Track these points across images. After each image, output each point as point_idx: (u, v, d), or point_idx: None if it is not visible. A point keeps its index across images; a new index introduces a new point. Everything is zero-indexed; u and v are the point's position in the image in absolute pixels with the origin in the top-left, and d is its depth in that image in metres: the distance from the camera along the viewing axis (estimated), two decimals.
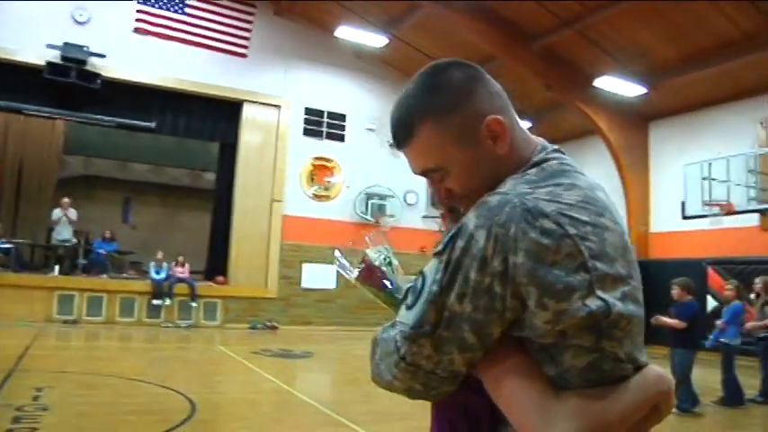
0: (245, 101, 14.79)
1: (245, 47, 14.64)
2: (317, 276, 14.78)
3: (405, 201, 16.32)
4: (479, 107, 1.02)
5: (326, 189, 15.46)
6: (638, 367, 0.93)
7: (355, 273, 1.20)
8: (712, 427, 6.54)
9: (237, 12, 14.56)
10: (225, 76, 14.39)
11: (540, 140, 1.09)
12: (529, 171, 1.01)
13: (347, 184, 15.53)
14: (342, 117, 15.82)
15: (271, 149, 14.97)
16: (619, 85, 12.85)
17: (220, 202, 15.12)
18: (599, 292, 0.88)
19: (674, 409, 5.12)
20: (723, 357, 7.34)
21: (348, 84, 15.88)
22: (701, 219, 12.13)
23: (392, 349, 0.95)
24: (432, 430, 1.08)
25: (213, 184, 16.46)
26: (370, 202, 15.47)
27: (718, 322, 7.50)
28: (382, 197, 15.69)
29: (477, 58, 13.13)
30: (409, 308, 0.95)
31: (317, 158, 15.48)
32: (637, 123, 14.70)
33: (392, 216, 15.66)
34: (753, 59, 11.57)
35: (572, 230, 0.89)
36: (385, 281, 1.18)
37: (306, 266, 14.91)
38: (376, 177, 15.81)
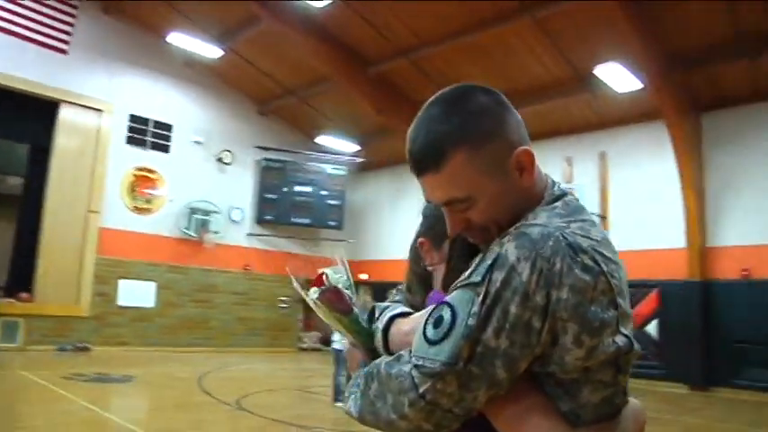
0: (63, 101, 15.11)
1: (65, 42, 14.98)
2: (135, 294, 15.91)
3: (229, 217, 18.04)
4: (510, 137, 1.12)
5: (148, 202, 16.46)
6: None
7: (316, 293, 1.25)
8: None
9: (58, 1, 14.78)
10: (40, 71, 14.57)
11: (545, 173, 1.20)
12: (555, 204, 1.12)
13: (170, 197, 16.72)
14: (168, 127, 16.99)
15: (89, 156, 15.56)
16: None
17: (28, 210, 15.28)
18: (622, 329, 1.02)
19: None
20: None
21: (176, 93, 17.20)
22: None
23: (407, 386, 1.00)
24: None
25: (19, 190, 16.63)
26: (193, 217, 16.93)
27: None
28: (206, 212, 17.19)
29: (311, 78, 15.07)
30: (433, 342, 1.00)
31: (140, 169, 16.39)
32: None
33: (216, 232, 17.28)
34: (561, 103, 14.49)
35: (605, 267, 1.01)
36: (350, 304, 1.26)
37: (122, 283, 15.79)
38: (201, 192, 17.27)
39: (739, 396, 11.69)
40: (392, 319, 1.22)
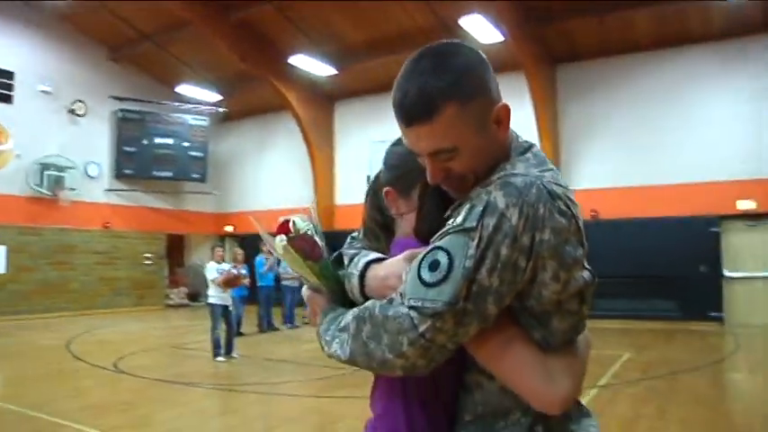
0: None
1: None
2: None
3: (86, 172, 17.00)
4: (492, 94, 1.20)
5: None
6: None
7: (283, 240, 1.28)
8: None
9: None
10: None
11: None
12: (527, 156, 1.23)
13: (17, 152, 15.42)
14: (8, 75, 15.54)
15: None
16: (311, 65, 15.10)
17: None
18: (586, 264, 1.20)
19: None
20: None
21: (17, 37, 15.66)
22: None
23: (407, 327, 1.08)
24: (380, 423, 1.31)
25: None
26: (45, 173, 15.78)
27: None
28: (60, 168, 16.06)
29: (169, 22, 14.19)
30: (432, 285, 1.08)
31: None
32: (324, 102, 17.65)
33: (72, 189, 16.26)
34: None
35: (575, 211, 1.15)
36: (321, 251, 1.31)
37: None
38: (53, 146, 16.10)
39: (597, 324, 12.91)
40: (367, 264, 1.28)
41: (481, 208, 1.09)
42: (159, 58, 17.25)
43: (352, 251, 1.37)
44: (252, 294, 12.48)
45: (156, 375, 8.03)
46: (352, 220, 16.91)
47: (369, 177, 13.52)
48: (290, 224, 1.29)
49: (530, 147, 1.26)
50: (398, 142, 1.36)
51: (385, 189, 1.38)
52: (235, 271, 9.95)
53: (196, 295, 19.10)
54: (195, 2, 14.12)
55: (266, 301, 13.19)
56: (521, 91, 14.20)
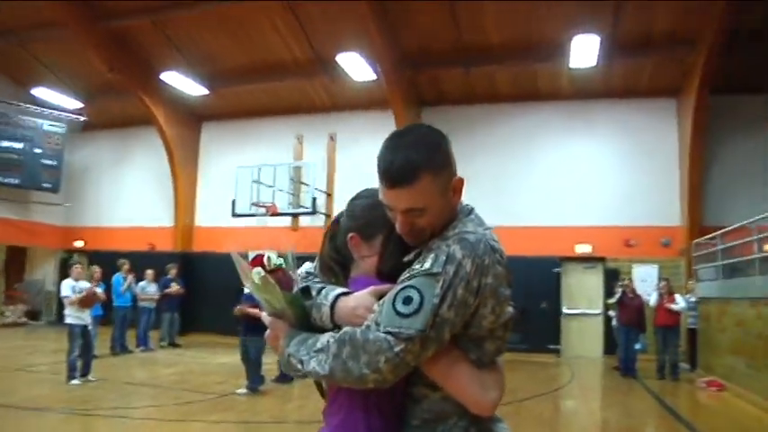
0: None
1: None
2: None
3: None
4: (453, 167, 1.55)
5: None
6: None
7: (260, 272, 1.52)
8: (275, 401, 8.46)
9: None
10: None
11: None
12: (471, 217, 1.58)
13: None
14: None
15: None
16: (183, 83, 14.80)
17: None
18: (511, 302, 1.56)
19: (245, 390, 7.42)
20: None
21: None
22: (249, 217, 14.68)
23: (384, 347, 1.38)
24: (339, 423, 1.55)
25: None
26: None
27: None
28: None
29: (34, 20, 13.30)
30: (406, 315, 1.39)
31: None
32: (192, 121, 17.44)
33: None
34: (296, 83, 15.04)
35: (504, 261, 1.50)
36: (293, 284, 1.58)
37: None
38: None
39: None
40: (337, 296, 1.54)
41: (444, 257, 1.42)
42: (15, 56, 16.05)
43: (319, 285, 1.63)
44: (106, 314, 11.78)
45: (5, 400, 7.38)
46: (211, 242, 16.63)
47: (233, 202, 13.33)
48: (266, 258, 1.54)
49: (471, 210, 1.61)
50: (360, 196, 1.72)
51: (350, 235, 1.65)
52: (99, 290, 9.53)
53: (36, 313, 17.77)
54: (67, 3, 13.40)
55: (122, 321, 12.61)
56: (388, 128, 14.30)
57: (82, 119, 17.61)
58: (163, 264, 14.76)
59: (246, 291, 10.11)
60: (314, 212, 15.02)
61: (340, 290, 1.57)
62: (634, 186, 14.03)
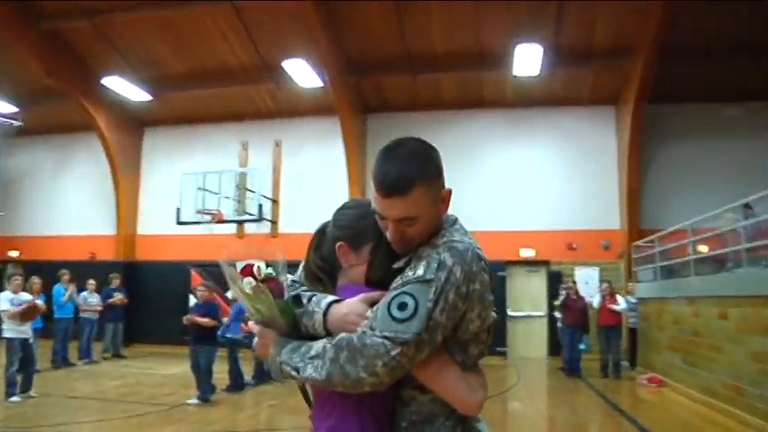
0: None
1: None
2: None
3: None
4: (443, 179, 1.62)
5: None
6: None
7: (251, 282, 1.56)
8: (227, 410, 8.38)
9: None
10: None
11: None
12: (456, 227, 1.65)
13: None
14: None
15: None
16: (125, 87, 14.43)
17: None
18: (494, 307, 1.62)
19: (197, 400, 7.17)
20: (229, 350, 9.73)
21: None
22: (194, 225, 14.37)
23: (382, 352, 1.43)
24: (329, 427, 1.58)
25: None
26: None
27: (225, 320, 9.76)
28: None
29: None
30: (401, 320, 1.44)
31: None
32: (134, 127, 17.02)
33: None
34: (242, 89, 14.88)
35: (488, 268, 1.58)
36: (284, 292, 1.61)
37: None
38: None
39: None
40: (329, 304, 1.59)
41: (436, 265, 1.48)
42: None
43: (309, 293, 1.67)
44: (47, 327, 11.32)
45: None
46: (155, 250, 16.27)
47: (178, 210, 13.05)
48: (255, 268, 1.57)
49: (456, 219, 1.69)
50: (347, 206, 1.78)
51: (339, 244, 1.69)
52: (39, 301, 9.20)
53: None
54: (1, 3, 12.69)
55: (64, 334, 12.21)
56: (334, 134, 14.87)
57: (17, 124, 16.95)
58: (105, 273, 14.39)
59: (195, 300, 10.06)
60: (260, 219, 14.82)
61: (332, 297, 1.61)
62: (575, 191, 14.44)
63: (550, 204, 14.50)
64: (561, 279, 13.80)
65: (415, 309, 1.44)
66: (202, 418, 7.69)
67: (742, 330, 7.57)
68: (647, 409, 8.98)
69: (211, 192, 14.64)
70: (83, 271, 14.09)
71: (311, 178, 15.63)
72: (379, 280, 1.63)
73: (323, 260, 1.76)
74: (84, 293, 13.16)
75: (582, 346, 12.07)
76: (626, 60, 12.96)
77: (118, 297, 13.85)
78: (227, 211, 14.76)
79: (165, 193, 15.77)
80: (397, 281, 1.53)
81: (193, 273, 15.70)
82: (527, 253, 14.63)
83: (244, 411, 8.54)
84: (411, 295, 1.46)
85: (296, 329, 1.61)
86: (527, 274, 14.85)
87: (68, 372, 11.69)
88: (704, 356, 8.81)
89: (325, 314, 1.57)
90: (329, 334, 1.55)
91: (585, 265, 14.31)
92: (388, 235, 1.59)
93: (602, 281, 12.89)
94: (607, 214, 14.37)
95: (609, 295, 11.89)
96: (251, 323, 1.71)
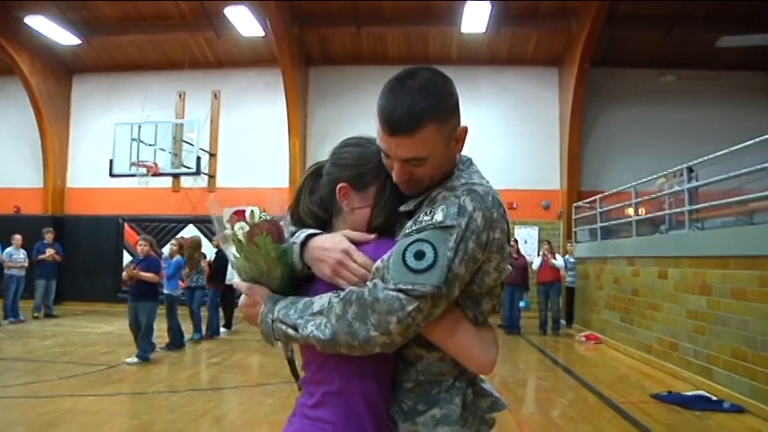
0: None
1: None
2: None
3: None
4: (459, 116, 1.39)
5: None
6: None
7: (245, 227, 1.37)
8: (168, 370, 7.94)
9: None
10: None
11: None
12: (471, 168, 1.44)
13: None
14: None
15: None
16: (51, 29, 13.23)
17: None
18: (508, 259, 1.43)
19: (135, 359, 6.45)
20: (167, 307, 9.21)
21: None
22: (128, 177, 13.51)
23: (396, 307, 1.23)
24: (336, 399, 1.36)
25: None
26: None
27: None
28: None
29: None
30: (419, 271, 1.23)
31: None
32: (63, 73, 15.82)
33: None
34: (180, 36, 13.94)
35: (507, 216, 1.36)
36: (284, 235, 1.43)
37: None
38: None
39: None
40: (309, 236, 1.41)
41: (455, 209, 1.28)
42: None
43: (292, 228, 1.50)
44: None
45: None
46: (86, 204, 15.34)
47: (111, 162, 12.21)
48: (248, 213, 1.39)
49: (470, 160, 1.47)
50: (347, 143, 1.52)
51: (340, 185, 1.45)
52: None
53: None
54: None
55: None
56: (275, 87, 14.19)
57: None
58: (31, 228, 13.41)
59: (133, 257, 9.47)
60: (197, 173, 14.21)
61: (312, 231, 1.44)
62: (517, 151, 14.27)
63: (493, 164, 14.06)
64: None
65: (435, 258, 1.24)
66: (143, 378, 7.23)
67: (680, 290, 7.72)
68: (586, 364, 9.03)
69: (146, 143, 13.82)
70: (7, 225, 13.30)
71: (251, 131, 14.95)
72: (383, 225, 1.44)
73: (319, 206, 1.52)
74: (9, 249, 12.26)
75: (522, 304, 12.07)
76: (572, 22, 12.73)
77: (50, 252, 12.87)
78: (164, 163, 14.00)
79: (96, 145, 14.85)
80: (410, 225, 1.32)
81: (127, 228, 14.90)
82: None
83: (185, 370, 8.10)
84: (429, 243, 1.26)
85: (293, 284, 1.42)
86: None
87: None
88: (643, 314, 8.94)
89: (303, 245, 1.39)
90: (306, 267, 1.39)
91: (525, 224, 14.23)
92: (394, 175, 1.39)
93: (541, 240, 12.86)
94: (548, 175, 14.30)
95: (549, 252, 11.88)
96: (236, 279, 1.46)
